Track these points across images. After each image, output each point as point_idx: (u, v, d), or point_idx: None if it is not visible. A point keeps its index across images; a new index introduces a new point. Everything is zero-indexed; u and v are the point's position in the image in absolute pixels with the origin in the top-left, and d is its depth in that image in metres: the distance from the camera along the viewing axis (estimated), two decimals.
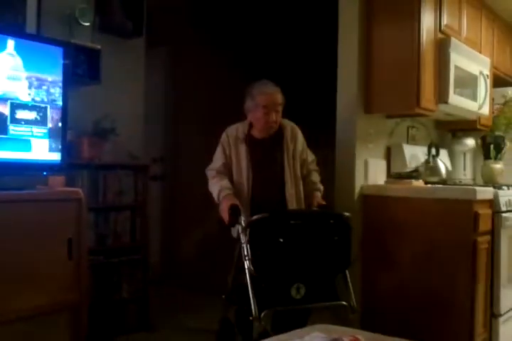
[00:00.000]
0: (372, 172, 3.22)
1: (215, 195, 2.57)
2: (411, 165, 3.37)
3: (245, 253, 2.24)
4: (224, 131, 2.75)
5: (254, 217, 2.28)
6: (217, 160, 2.68)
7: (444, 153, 3.80)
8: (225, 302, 2.65)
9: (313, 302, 2.32)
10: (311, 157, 2.79)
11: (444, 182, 3.34)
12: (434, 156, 3.37)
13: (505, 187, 3.24)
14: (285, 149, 2.65)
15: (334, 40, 3.24)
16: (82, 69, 2.99)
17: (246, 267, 2.22)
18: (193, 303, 3.96)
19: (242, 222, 2.33)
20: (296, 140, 2.69)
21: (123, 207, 3.05)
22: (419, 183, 3.11)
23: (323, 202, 2.63)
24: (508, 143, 3.83)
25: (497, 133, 3.90)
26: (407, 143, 3.59)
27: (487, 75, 3.65)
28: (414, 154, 3.47)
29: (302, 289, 2.27)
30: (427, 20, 3.08)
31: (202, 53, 4.65)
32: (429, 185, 3.17)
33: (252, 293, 2.18)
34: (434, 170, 3.32)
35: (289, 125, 2.72)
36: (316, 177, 2.75)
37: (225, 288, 2.65)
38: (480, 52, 3.70)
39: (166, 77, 4.70)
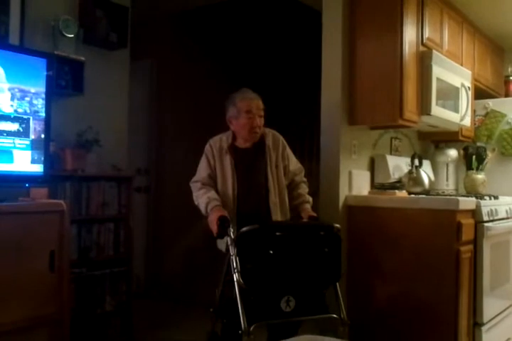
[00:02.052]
0: (356, 183, 3.24)
1: (202, 206, 2.51)
2: (394, 175, 3.40)
3: (234, 265, 2.18)
4: (207, 142, 2.72)
5: (244, 229, 2.23)
6: (202, 171, 2.64)
7: (426, 164, 3.84)
8: (212, 316, 2.58)
9: (303, 315, 2.28)
10: (297, 166, 2.75)
11: (427, 192, 3.38)
12: (417, 167, 3.41)
13: (487, 198, 3.28)
14: (268, 158, 2.62)
15: (318, 53, 3.28)
16: (65, 81, 2.98)
17: (235, 280, 2.17)
18: (178, 316, 3.92)
19: (231, 233, 2.29)
20: (278, 147, 2.66)
21: (106, 219, 3.02)
22: (402, 194, 3.14)
23: (314, 214, 2.59)
24: (489, 154, 3.88)
25: (479, 144, 3.96)
26: (391, 154, 3.62)
27: (468, 87, 3.71)
28: (398, 165, 3.50)
29: (292, 302, 2.23)
30: (410, 34, 3.13)
31: (186, 66, 4.67)
32: (412, 196, 3.20)
33: (241, 306, 2.12)
34: (417, 180, 3.36)
35: (271, 132, 2.70)
36: (304, 189, 2.72)
37: (212, 301, 2.59)
38: (461, 65, 3.77)
39: (151, 89, 4.70)
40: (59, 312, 2.33)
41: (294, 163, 2.74)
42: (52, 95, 2.53)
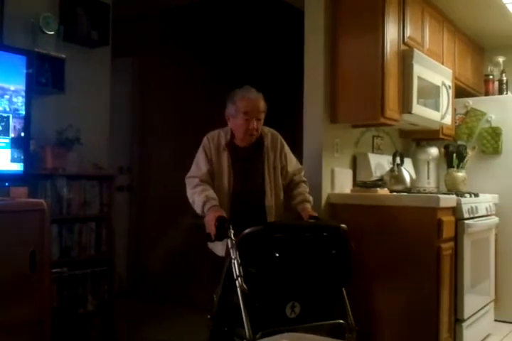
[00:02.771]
0: (338, 181, 3.26)
1: (198, 205, 2.37)
2: (376, 173, 3.43)
3: (236, 270, 2.03)
4: (205, 136, 2.59)
5: (247, 231, 2.10)
6: (201, 166, 2.50)
7: (408, 162, 3.88)
8: (210, 323, 2.38)
9: (309, 321, 2.13)
10: (297, 167, 2.68)
11: (408, 190, 3.41)
12: (398, 165, 3.44)
13: (467, 195, 3.33)
14: (266, 159, 2.54)
15: (301, 52, 3.28)
16: (45, 79, 2.94)
17: (238, 285, 2.01)
18: (161, 315, 3.91)
19: (232, 235, 2.13)
20: (277, 147, 2.59)
21: (88, 218, 2.99)
22: (384, 191, 3.16)
23: (314, 214, 2.48)
24: (469, 152, 3.93)
25: (459, 142, 4.01)
26: (373, 152, 3.65)
27: (449, 86, 3.75)
28: (380, 163, 3.53)
29: (297, 308, 2.10)
30: (391, 33, 3.15)
31: (170, 64, 4.65)
32: (394, 193, 3.22)
33: (245, 313, 1.97)
34: (399, 178, 3.39)
35: (270, 132, 2.62)
36: (304, 188, 2.63)
37: (209, 307, 2.41)
38: (442, 64, 3.81)
39: (134, 86, 4.67)
40: (40, 312, 2.30)
41: (293, 164, 2.67)
42: (32, 93, 2.50)
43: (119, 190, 4.21)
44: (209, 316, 2.37)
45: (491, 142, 4.00)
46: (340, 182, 3.27)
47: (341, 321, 2.20)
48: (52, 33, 2.98)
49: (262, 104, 2.49)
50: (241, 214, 2.44)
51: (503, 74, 4.39)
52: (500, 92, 4.37)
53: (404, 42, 3.32)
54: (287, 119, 4.08)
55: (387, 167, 3.52)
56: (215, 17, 4.54)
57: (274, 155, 2.57)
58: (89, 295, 2.96)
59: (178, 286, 4.20)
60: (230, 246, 2.12)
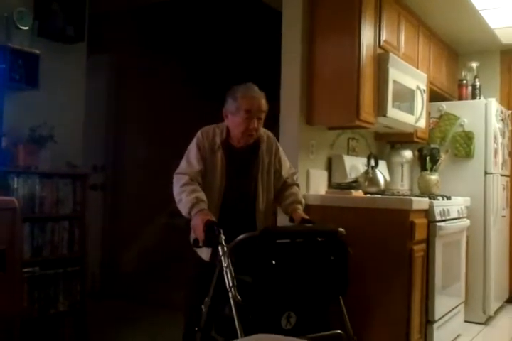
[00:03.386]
0: (313, 182, 3.27)
1: (186, 206, 2.18)
2: (351, 175, 3.45)
3: (229, 280, 1.90)
4: (196, 134, 2.41)
5: (241, 237, 1.96)
6: (193, 164, 2.31)
7: (382, 164, 3.92)
8: (199, 336, 2.20)
9: (305, 332, 1.97)
10: (290, 172, 2.56)
11: (382, 192, 3.44)
12: (373, 167, 3.48)
13: (440, 198, 3.38)
14: (260, 163, 2.40)
15: (278, 54, 3.29)
16: (19, 74, 2.89)
17: (230, 296, 1.88)
18: (134, 316, 3.87)
19: (223, 241, 1.99)
20: (272, 151, 2.45)
21: (60, 217, 2.95)
22: (358, 193, 3.19)
23: (306, 217, 2.35)
24: (442, 155, 4.00)
25: (433, 145, 4.07)
26: (348, 154, 3.68)
27: (424, 90, 3.80)
28: (354, 165, 3.56)
29: (293, 318, 1.96)
30: (367, 36, 3.19)
31: (146, 62, 4.62)
32: (368, 195, 3.26)
33: (239, 326, 1.84)
34: (373, 180, 3.42)
35: (266, 134, 2.47)
36: (296, 190, 2.50)
37: (195, 317, 2.25)
38: (417, 68, 3.86)
39: (110, 84, 4.63)
40: (10, 312, 2.26)
41: (287, 168, 2.54)
42: (5, 89, 2.46)
43: (93, 189, 4.16)
44: (196, 328, 2.20)
45: (463, 146, 4.07)
46: (316, 183, 3.29)
47: (339, 331, 2.09)
48: (26, 28, 2.94)
49: (264, 103, 2.34)
50: (230, 218, 2.32)
51: (476, 80, 4.48)
52: (474, 97, 4.45)
53: (380, 46, 3.35)
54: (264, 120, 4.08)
55: (362, 169, 3.55)
56: (193, 15, 4.53)
57: (268, 159, 2.43)
58: (61, 296, 2.92)
59: (152, 286, 4.17)
60: (221, 253, 1.97)
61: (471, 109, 4.15)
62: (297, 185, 2.56)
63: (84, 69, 3.48)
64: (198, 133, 2.39)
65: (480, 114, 4.09)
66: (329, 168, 3.50)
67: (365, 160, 3.56)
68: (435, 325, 3.09)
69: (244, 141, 2.35)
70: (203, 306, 2.15)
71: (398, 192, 3.91)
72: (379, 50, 3.34)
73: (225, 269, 1.93)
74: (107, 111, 4.63)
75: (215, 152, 2.34)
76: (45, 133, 2.97)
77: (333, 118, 3.22)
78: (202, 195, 2.21)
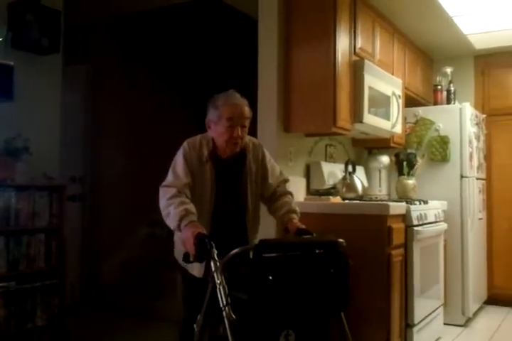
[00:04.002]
0: (292, 189, 3.19)
1: (174, 219, 2.07)
2: (329, 182, 3.47)
3: (223, 298, 1.79)
4: (183, 143, 2.31)
5: (235, 251, 1.85)
6: (181, 176, 2.21)
7: (360, 170, 3.95)
8: None
9: None
10: (280, 179, 2.48)
11: (360, 198, 3.47)
12: (350, 173, 3.50)
13: (417, 202, 3.42)
14: (248, 172, 2.32)
15: (255, 61, 3.31)
16: None
17: (225, 316, 1.76)
18: (116, 328, 3.84)
19: (216, 255, 1.88)
20: (258, 159, 2.38)
21: (37, 230, 2.92)
22: (336, 200, 3.22)
23: (303, 226, 2.26)
24: (419, 160, 4.04)
25: (409, 150, 4.11)
26: (326, 160, 3.70)
27: (399, 95, 3.85)
28: (332, 171, 3.58)
29: (292, 336, 1.84)
30: (342, 43, 3.22)
31: (123, 73, 4.61)
32: (346, 201, 3.28)
33: None
34: (351, 186, 3.45)
35: (251, 142, 2.40)
36: (289, 199, 2.43)
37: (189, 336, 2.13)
38: (392, 74, 3.91)
39: (86, 95, 4.60)
40: None
41: (276, 175, 2.46)
42: None
43: (71, 200, 4.13)
44: None
45: (439, 150, 4.12)
46: (294, 190, 3.22)
47: None
48: (0, 39, 2.91)
49: (247, 110, 2.27)
50: (221, 230, 2.23)
51: (451, 85, 4.54)
52: (448, 102, 4.51)
53: (355, 53, 3.39)
54: None
55: (340, 175, 3.57)
56: (170, 25, 4.53)
57: (255, 168, 2.36)
58: (39, 310, 2.88)
59: (134, 298, 4.14)
60: (213, 269, 1.86)
61: (446, 114, 4.21)
62: (290, 194, 2.47)
63: (59, 81, 3.45)
64: (185, 145, 2.29)
65: (455, 119, 4.15)
66: (307, 174, 3.52)
67: (343, 166, 3.59)
68: (415, 329, 3.12)
69: (230, 150, 2.27)
70: (195, 325, 2.03)
71: (376, 198, 3.94)
72: (354, 57, 3.37)
73: (218, 286, 1.81)
74: (85, 122, 4.60)
75: (203, 164, 2.26)
76: (20, 146, 2.94)
77: (310, 126, 3.24)
78: (191, 206, 2.12)
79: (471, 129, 4.21)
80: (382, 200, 3.68)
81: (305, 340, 1.90)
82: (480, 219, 4.43)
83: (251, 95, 3.34)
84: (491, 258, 4.67)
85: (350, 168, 3.52)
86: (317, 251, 1.95)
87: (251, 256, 1.86)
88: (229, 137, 2.22)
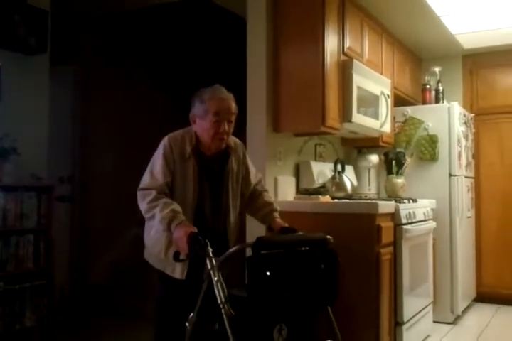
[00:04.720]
0: (282, 189, 3.29)
1: (162, 222, 2.05)
2: (319, 181, 3.48)
3: (221, 295, 1.81)
4: (163, 139, 2.25)
5: (234, 248, 1.90)
6: (158, 177, 2.16)
7: (349, 169, 3.97)
8: None
9: None
10: (257, 177, 2.51)
11: (349, 197, 3.48)
12: (339, 172, 3.51)
13: (406, 201, 3.43)
14: (230, 171, 2.31)
15: (243, 62, 3.31)
16: None
17: (223, 312, 1.80)
18: (106, 329, 3.82)
19: (210, 253, 1.90)
20: (240, 157, 2.38)
21: (25, 231, 2.91)
22: (326, 199, 3.22)
23: (286, 225, 2.32)
24: (408, 159, 4.07)
25: (398, 149, 4.14)
26: (315, 160, 3.71)
27: (388, 95, 3.87)
28: (322, 171, 3.59)
29: (284, 330, 1.89)
30: (331, 43, 3.23)
31: (112, 72, 4.59)
32: (335, 200, 3.29)
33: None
34: (340, 185, 3.46)
35: (232, 140, 2.36)
36: (268, 197, 2.47)
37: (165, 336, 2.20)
38: (381, 74, 3.92)
39: (75, 95, 4.58)
40: None
41: (254, 174, 2.47)
42: None
43: (59, 201, 4.11)
44: None
45: (428, 149, 4.15)
46: (284, 190, 3.31)
47: None
48: None
49: (233, 105, 2.24)
50: (203, 229, 2.17)
51: (440, 84, 4.57)
52: (437, 101, 4.54)
53: (343, 53, 3.40)
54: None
55: (330, 174, 3.58)
56: (158, 24, 4.51)
57: (237, 167, 2.35)
58: (28, 311, 2.87)
59: (123, 298, 4.12)
60: (209, 266, 1.87)
61: (434, 113, 4.23)
62: (267, 191, 2.53)
63: (47, 81, 3.44)
64: (165, 141, 2.23)
65: (443, 118, 4.18)
66: (297, 174, 3.52)
67: (332, 165, 3.60)
68: (404, 327, 3.14)
69: (216, 146, 2.23)
70: (187, 323, 2.03)
71: (365, 196, 3.95)
72: (343, 57, 3.38)
73: (215, 283, 1.83)
74: (73, 122, 4.58)
75: (185, 160, 2.20)
76: (8, 146, 2.93)
77: (299, 125, 3.25)
78: (176, 206, 2.10)
79: (459, 128, 4.24)
80: (372, 199, 3.69)
81: (296, 334, 1.93)
82: (469, 217, 4.47)
83: (240, 95, 3.36)
84: (479, 256, 4.71)
85: (339, 167, 3.53)
86: (308, 248, 1.99)
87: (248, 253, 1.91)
88: (215, 132, 2.18)
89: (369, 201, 3.28)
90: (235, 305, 1.83)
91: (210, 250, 1.91)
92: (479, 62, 4.90)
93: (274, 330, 1.87)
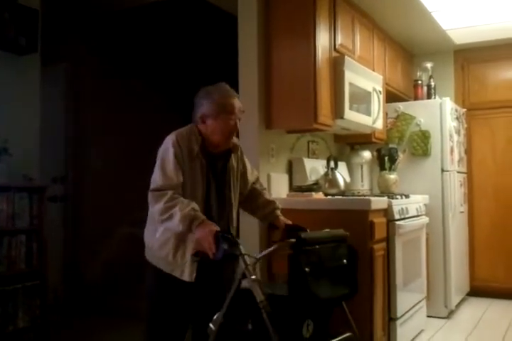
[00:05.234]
0: (275, 186, 3.30)
1: (183, 222, 1.98)
2: (311, 178, 3.49)
3: (260, 294, 1.80)
4: (170, 136, 2.17)
5: (276, 246, 1.96)
6: (171, 175, 2.08)
7: (342, 166, 3.97)
8: None
9: (322, 339, 1.99)
10: (254, 174, 2.50)
11: (342, 193, 3.49)
12: (332, 169, 3.52)
13: (398, 197, 3.44)
14: (231, 169, 2.30)
15: (235, 59, 3.31)
16: None
17: (264, 311, 1.78)
18: (100, 328, 3.82)
19: (242, 250, 1.89)
20: (238, 157, 2.37)
21: (17, 231, 2.89)
22: (319, 195, 3.23)
23: (289, 222, 2.36)
24: (400, 155, 4.08)
25: (391, 145, 4.14)
26: (308, 157, 3.72)
27: (380, 91, 3.87)
28: (315, 167, 3.60)
29: (311, 326, 1.94)
30: (322, 40, 3.23)
31: (105, 71, 4.57)
32: (328, 197, 3.29)
33: (275, 336, 1.76)
34: (333, 182, 3.46)
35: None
36: (268, 195, 2.48)
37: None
38: (373, 70, 3.93)
39: (67, 94, 4.55)
40: None
41: (250, 172, 2.46)
42: None
43: (52, 201, 4.09)
44: None
45: (420, 145, 4.16)
46: (277, 187, 3.31)
47: (350, 334, 2.11)
48: None
49: (241, 103, 2.24)
50: None
51: (431, 80, 4.58)
52: (429, 97, 4.55)
53: (335, 50, 3.40)
54: None
55: (322, 171, 3.59)
56: (150, 22, 4.50)
57: (236, 165, 2.34)
58: (21, 311, 2.86)
59: (117, 298, 4.12)
60: (243, 265, 1.86)
61: (426, 109, 4.24)
62: (266, 190, 2.52)
63: (38, 80, 3.41)
64: (173, 137, 2.14)
65: (435, 113, 4.19)
66: (290, 171, 3.53)
67: (325, 162, 3.60)
68: (398, 322, 3.15)
69: (226, 144, 2.22)
70: (211, 324, 1.97)
71: (359, 193, 3.97)
72: (335, 54, 3.38)
73: (251, 283, 1.82)
74: (66, 122, 4.56)
75: (193, 159, 2.14)
76: None
77: (291, 122, 3.25)
78: (195, 205, 2.04)
79: (451, 124, 4.25)
80: (365, 195, 3.70)
81: (321, 329, 2.00)
82: (461, 212, 4.49)
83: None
84: (472, 251, 4.74)
85: (332, 164, 3.53)
86: (334, 245, 2.09)
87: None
88: (229, 131, 2.17)
89: (362, 197, 3.29)
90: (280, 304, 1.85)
91: (242, 249, 1.89)
92: (470, 58, 4.91)
93: (303, 327, 1.91)
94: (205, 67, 4.48)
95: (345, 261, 2.07)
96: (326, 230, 2.23)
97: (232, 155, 2.31)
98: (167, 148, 2.13)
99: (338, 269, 2.04)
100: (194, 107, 2.22)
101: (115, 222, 4.19)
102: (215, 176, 2.24)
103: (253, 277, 1.83)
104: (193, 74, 4.50)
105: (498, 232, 4.68)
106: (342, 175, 3.58)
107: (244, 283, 1.90)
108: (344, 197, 3.32)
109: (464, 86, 4.94)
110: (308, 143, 3.77)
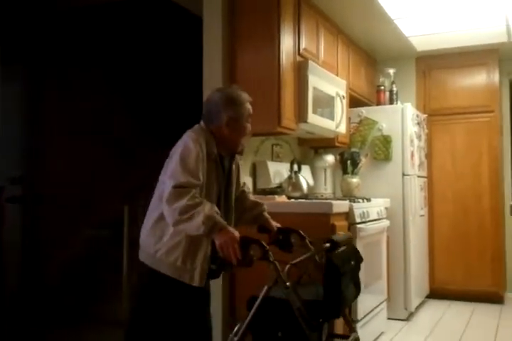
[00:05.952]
0: None
1: (209, 221, 1.89)
2: (275, 181, 3.50)
3: (297, 303, 1.85)
4: (189, 134, 2.12)
5: (308, 254, 2.09)
6: (198, 175, 2.02)
7: (306, 169, 4.01)
8: None
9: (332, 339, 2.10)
10: (243, 177, 2.52)
11: (305, 196, 3.52)
12: (296, 172, 3.55)
13: (360, 200, 3.49)
14: (233, 171, 2.31)
15: (199, 63, 3.29)
16: None
17: (302, 319, 1.84)
18: (57, 331, 3.73)
19: (271, 255, 1.88)
20: (237, 160, 2.38)
21: None
22: (282, 198, 3.24)
23: (278, 224, 2.38)
24: (363, 159, 4.14)
25: (353, 149, 4.20)
26: (272, 160, 3.73)
27: (343, 96, 3.92)
28: (279, 170, 3.61)
29: (325, 329, 2.04)
30: (287, 44, 3.25)
31: (66, 71, 4.48)
32: (291, 200, 3.31)
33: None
34: (296, 185, 3.49)
35: None
36: (253, 197, 2.48)
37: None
38: (337, 75, 3.97)
39: (26, 94, 4.44)
40: None
41: (241, 173, 2.48)
42: None
43: (10, 202, 3.98)
44: None
45: (382, 149, 4.23)
46: None
47: (356, 335, 2.20)
48: None
49: None
50: None
51: (393, 85, 4.67)
52: (391, 102, 4.64)
53: (299, 54, 3.43)
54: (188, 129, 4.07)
55: (286, 174, 3.61)
56: (113, 21, 4.44)
57: (235, 167, 2.34)
58: None
59: (78, 301, 4.04)
60: (276, 273, 1.86)
61: (388, 114, 4.32)
62: (251, 193, 2.53)
63: None
64: (193, 138, 2.08)
65: (397, 119, 4.27)
66: (254, 174, 3.53)
67: (289, 165, 3.62)
68: (358, 324, 3.19)
69: (237, 149, 2.23)
70: (234, 337, 1.97)
71: (322, 196, 4.00)
72: (299, 58, 3.41)
73: (286, 291, 1.86)
74: (24, 122, 4.44)
75: (210, 160, 2.11)
76: None
77: (255, 125, 3.21)
78: (217, 208, 1.99)
79: (412, 129, 4.34)
80: (327, 199, 3.73)
81: (329, 328, 2.11)
82: (422, 215, 4.58)
83: (196, 94, 3.34)
84: (432, 254, 4.84)
85: (295, 167, 3.56)
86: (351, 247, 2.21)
87: None
88: (245, 135, 2.22)
89: (324, 201, 3.32)
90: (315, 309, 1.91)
91: (271, 256, 1.88)
92: (432, 64, 5.03)
93: (323, 327, 1.97)
94: (170, 68, 4.45)
95: (353, 262, 2.13)
96: (340, 232, 2.38)
97: (236, 156, 2.32)
98: (189, 148, 2.05)
99: (352, 271, 2.13)
100: (211, 110, 2.21)
101: (77, 223, 4.10)
102: (225, 178, 2.24)
103: (287, 284, 1.84)
104: (156, 75, 4.46)
105: (457, 235, 4.80)
106: (305, 178, 3.61)
107: (276, 291, 1.92)
108: (306, 201, 3.34)
109: (425, 92, 5.05)
110: (272, 146, 3.79)
